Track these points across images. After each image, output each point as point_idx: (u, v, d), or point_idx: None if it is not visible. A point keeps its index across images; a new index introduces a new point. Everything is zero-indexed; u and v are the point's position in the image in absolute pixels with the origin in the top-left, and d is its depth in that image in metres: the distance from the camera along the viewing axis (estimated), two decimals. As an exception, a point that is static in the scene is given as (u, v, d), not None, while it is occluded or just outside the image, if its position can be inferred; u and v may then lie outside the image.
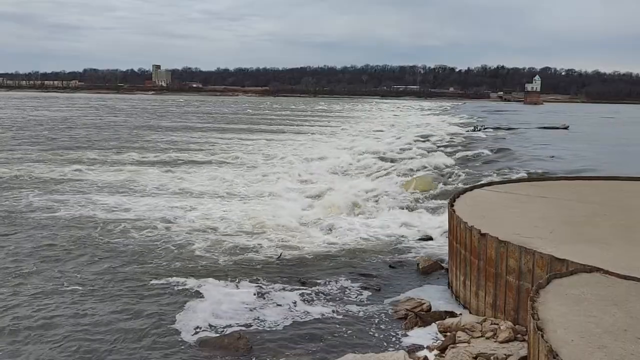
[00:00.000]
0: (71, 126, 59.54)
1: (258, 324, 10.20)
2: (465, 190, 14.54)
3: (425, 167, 29.84)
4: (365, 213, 19.66)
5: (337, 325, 10.20)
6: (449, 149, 38.76)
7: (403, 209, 20.01)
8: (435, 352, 8.65)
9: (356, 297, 11.66)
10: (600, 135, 59.41)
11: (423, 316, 10.28)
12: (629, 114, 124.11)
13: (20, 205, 19.91)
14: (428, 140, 45.83)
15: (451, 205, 12.55)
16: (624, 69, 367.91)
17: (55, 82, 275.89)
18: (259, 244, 15.42)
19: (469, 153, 36.00)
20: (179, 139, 47.10)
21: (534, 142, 44.89)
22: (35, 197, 21.42)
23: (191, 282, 12.19)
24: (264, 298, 11.42)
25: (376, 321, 10.40)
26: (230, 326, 10.05)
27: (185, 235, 16.33)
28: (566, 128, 66.41)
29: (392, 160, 33.69)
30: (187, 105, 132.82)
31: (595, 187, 15.12)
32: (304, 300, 11.38)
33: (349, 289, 12.09)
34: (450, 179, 26.06)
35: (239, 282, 12.30)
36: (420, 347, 9.04)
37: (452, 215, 11.88)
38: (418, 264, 13.61)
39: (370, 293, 11.89)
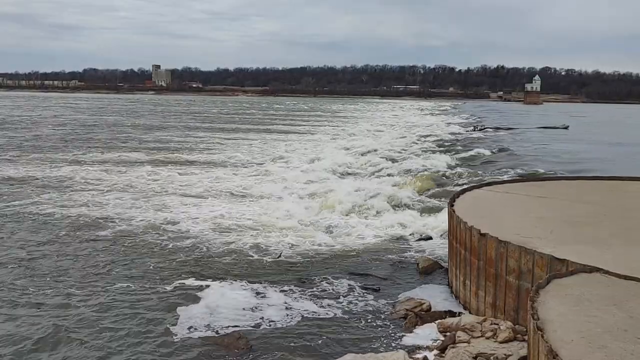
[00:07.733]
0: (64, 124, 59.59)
1: (258, 324, 10.19)
2: (465, 190, 14.51)
3: (425, 167, 29.85)
4: (365, 213, 19.65)
5: (337, 325, 10.19)
6: (449, 149, 38.77)
7: (403, 208, 20.01)
8: (435, 352, 8.64)
9: (356, 297, 11.64)
10: (599, 135, 59.37)
11: (423, 316, 10.26)
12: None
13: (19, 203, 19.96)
14: (428, 140, 45.84)
15: (451, 205, 12.54)
16: (624, 69, 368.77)
17: (55, 82, 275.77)
18: (258, 244, 15.41)
19: (469, 153, 36.03)
20: (177, 139, 47.08)
21: (534, 142, 44.87)
22: (31, 194, 21.46)
23: (190, 282, 12.19)
24: (264, 298, 11.41)
25: (376, 321, 10.39)
26: (230, 326, 10.02)
27: (183, 235, 16.31)
28: (566, 128, 66.46)
29: (392, 160, 33.68)
30: (180, 105, 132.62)
31: (595, 187, 15.10)
32: (303, 300, 11.37)
33: (349, 289, 12.07)
34: (450, 179, 26.06)
35: (238, 282, 12.29)
36: (420, 347, 9.03)
37: (452, 215, 11.87)
38: (418, 264, 13.60)
39: (370, 293, 11.87)
